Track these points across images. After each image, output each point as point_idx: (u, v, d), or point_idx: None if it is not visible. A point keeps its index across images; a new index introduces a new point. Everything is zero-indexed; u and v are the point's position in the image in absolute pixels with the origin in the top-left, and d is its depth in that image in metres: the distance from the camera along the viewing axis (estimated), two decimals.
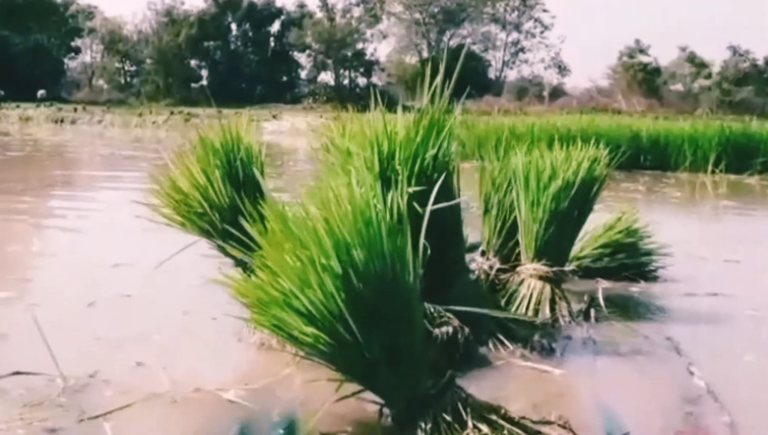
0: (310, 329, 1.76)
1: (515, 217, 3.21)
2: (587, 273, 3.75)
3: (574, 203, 3.02)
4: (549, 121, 12.98)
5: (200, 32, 44.73)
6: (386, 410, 1.92)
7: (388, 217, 1.81)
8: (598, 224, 3.71)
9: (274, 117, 26.50)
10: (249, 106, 34.23)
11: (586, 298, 3.25)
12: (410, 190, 2.35)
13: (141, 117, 25.80)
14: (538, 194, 3.02)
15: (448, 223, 2.69)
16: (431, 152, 2.57)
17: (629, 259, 3.85)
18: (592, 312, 3.14)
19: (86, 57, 49.41)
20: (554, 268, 3.07)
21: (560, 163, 3.05)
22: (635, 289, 3.76)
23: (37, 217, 5.94)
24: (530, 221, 3.06)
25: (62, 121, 25.35)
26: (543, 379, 2.48)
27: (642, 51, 39.42)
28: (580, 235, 3.47)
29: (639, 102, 31.30)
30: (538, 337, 2.74)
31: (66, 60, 48.02)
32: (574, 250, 3.76)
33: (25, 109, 27.62)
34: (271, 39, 47.88)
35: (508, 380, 2.47)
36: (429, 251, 2.02)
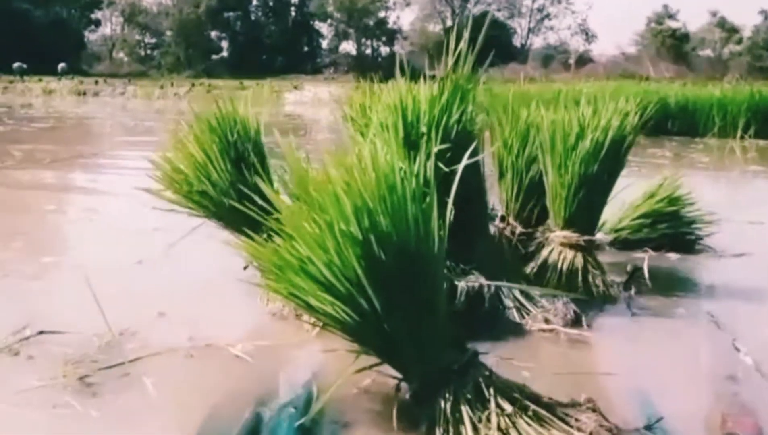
0: (326, 297, 1.68)
1: (532, 179, 3.07)
2: (626, 244, 3.60)
3: (604, 166, 2.81)
4: (575, 88, 12.77)
5: (220, 3, 44.66)
6: (404, 385, 1.82)
7: (413, 182, 1.71)
8: (623, 189, 3.52)
9: (296, 88, 26.43)
10: (270, 77, 34.22)
11: (629, 268, 3.08)
12: (436, 148, 2.24)
13: (162, 89, 25.82)
14: (565, 157, 2.81)
15: (473, 187, 2.59)
16: (455, 117, 2.50)
17: (671, 229, 3.64)
18: (632, 286, 2.99)
19: (106, 29, 49.74)
20: (586, 237, 2.89)
21: (588, 122, 2.83)
22: (675, 258, 3.57)
23: (68, 185, 5.96)
24: (558, 186, 2.86)
25: (85, 93, 25.46)
26: (574, 354, 2.34)
27: (670, 16, 38.80)
28: (618, 204, 3.32)
29: (667, 68, 30.82)
30: (571, 309, 2.57)
31: (86, 33, 48.26)
32: (612, 221, 3.62)
33: (48, 83, 27.76)
34: (292, 9, 47.75)
35: (535, 351, 2.34)
36: (453, 215, 1.93)
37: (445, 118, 2.46)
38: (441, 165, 2.21)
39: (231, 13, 45.42)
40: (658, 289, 3.00)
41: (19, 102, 20.42)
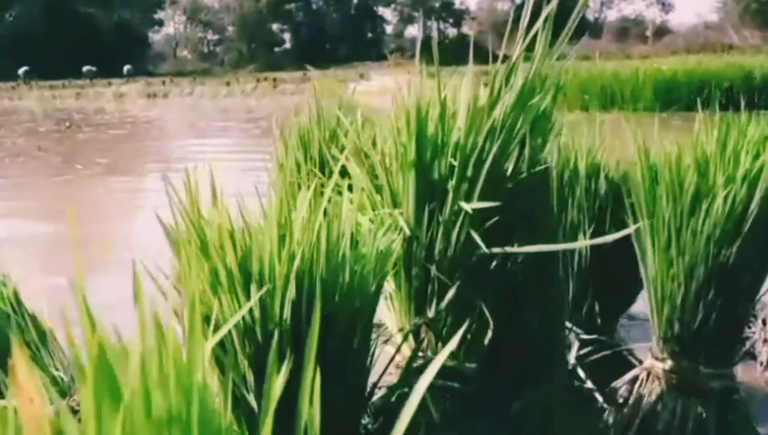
0: None
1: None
2: None
3: (750, 247, 1.45)
4: (653, 65, 12.12)
5: None
6: None
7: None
8: None
9: (361, 77, 26.20)
10: (334, 66, 34.11)
11: None
12: (472, 206, 1.30)
13: (229, 86, 25.98)
14: (676, 231, 1.52)
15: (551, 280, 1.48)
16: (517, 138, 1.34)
17: None
18: None
19: (169, 29, 50.61)
20: (712, 370, 1.57)
21: (713, 158, 1.50)
22: None
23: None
24: (663, 283, 1.58)
25: (154, 95, 25.87)
26: None
27: None
28: None
29: (752, 35, 29.31)
30: None
31: (150, 33, 49.25)
32: None
33: (119, 86, 28.35)
34: None
35: None
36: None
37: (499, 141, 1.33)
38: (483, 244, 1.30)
39: (292, 5, 45.47)
40: None
41: (92, 107, 20.78)
